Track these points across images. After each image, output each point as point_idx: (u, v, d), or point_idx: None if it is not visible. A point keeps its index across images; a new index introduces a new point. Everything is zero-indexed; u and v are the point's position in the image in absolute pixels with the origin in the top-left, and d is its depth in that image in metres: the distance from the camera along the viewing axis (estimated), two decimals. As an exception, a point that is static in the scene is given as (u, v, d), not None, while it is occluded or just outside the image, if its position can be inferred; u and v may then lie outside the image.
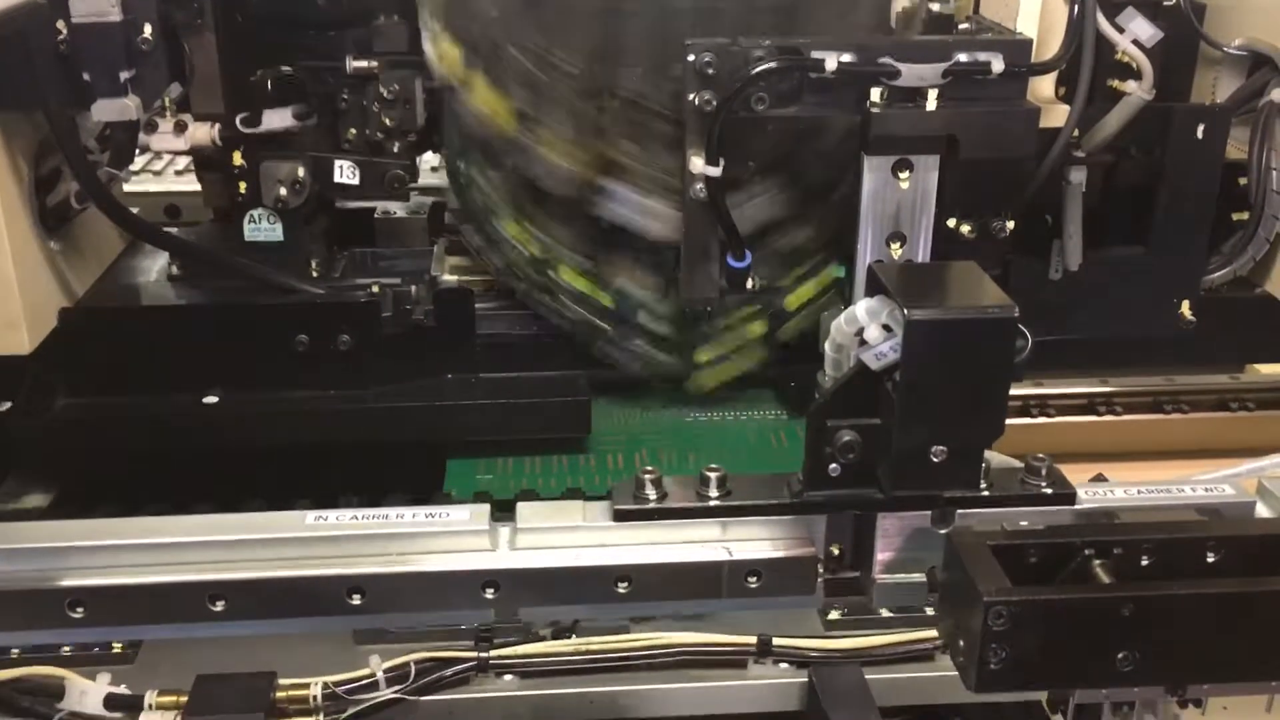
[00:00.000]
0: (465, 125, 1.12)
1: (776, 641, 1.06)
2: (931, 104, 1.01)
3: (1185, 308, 1.18)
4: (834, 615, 1.12)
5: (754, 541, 0.89)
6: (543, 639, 1.04)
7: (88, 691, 0.97)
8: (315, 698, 0.97)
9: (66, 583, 0.85)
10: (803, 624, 1.11)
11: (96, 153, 1.15)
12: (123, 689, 0.97)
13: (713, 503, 0.89)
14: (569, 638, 1.04)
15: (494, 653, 1.01)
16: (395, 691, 0.98)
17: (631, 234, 1.12)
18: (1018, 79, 1.03)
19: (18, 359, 1.06)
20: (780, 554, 0.89)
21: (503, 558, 0.88)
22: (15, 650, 1.01)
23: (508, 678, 1.03)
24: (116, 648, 1.04)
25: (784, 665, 1.08)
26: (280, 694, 0.97)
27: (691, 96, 1.01)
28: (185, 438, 1.14)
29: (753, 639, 1.06)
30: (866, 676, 1.06)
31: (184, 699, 0.96)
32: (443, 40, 1.09)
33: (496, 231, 1.16)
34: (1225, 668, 0.81)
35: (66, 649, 1.03)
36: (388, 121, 1.16)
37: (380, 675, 0.98)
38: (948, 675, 1.04)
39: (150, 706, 0.96)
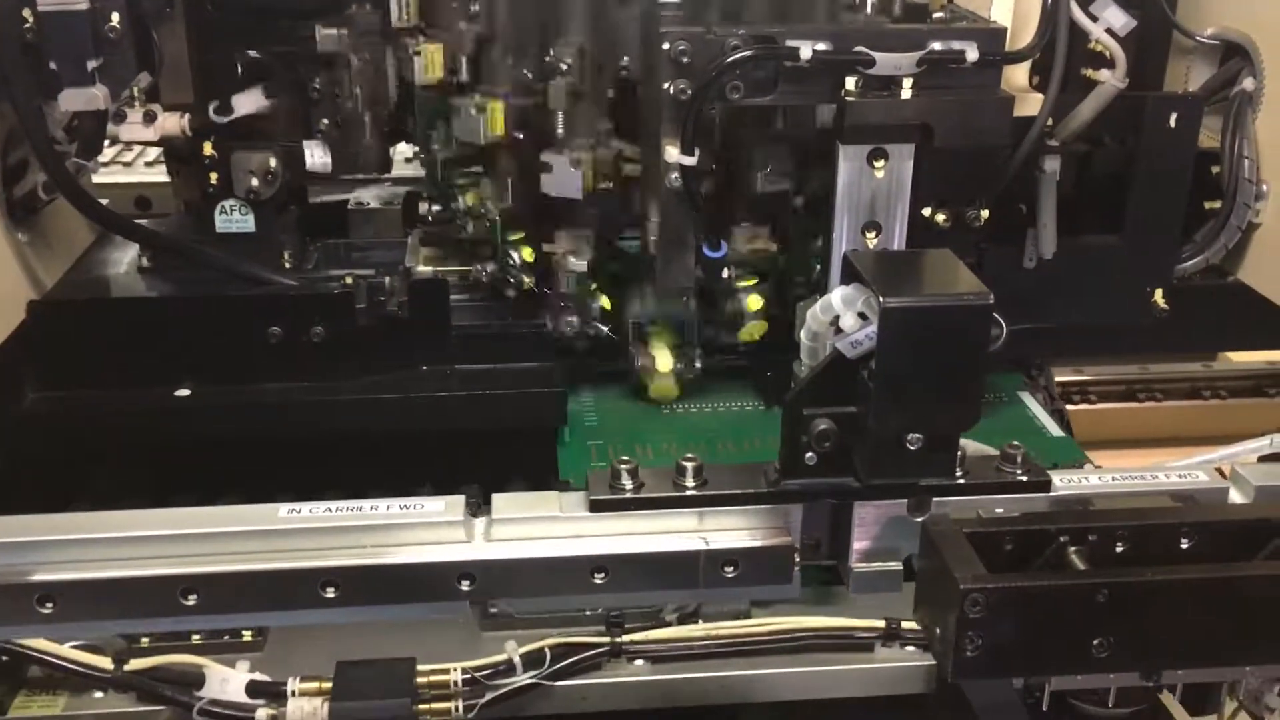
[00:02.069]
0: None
1: (905, 625, 1.05)
2: (906, 93, 1.01)
3: (1159, 296, 1.19)
4: None
5: (730, 531, 0.89)
6: (670, 625, 1.04)
7: (229, 679, 0.95)
8: (455, 683, 0.97)
9: (36, 577, 0.84)
10: None
11: (64, 143, 1.13)
12: (262, 676, 0.97)
13: (689, 492, 0.88)
14: (695, 622, 1.04)
15: (625, 638, 1.02)
16: (531, 676, 0.98)
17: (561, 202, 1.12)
18: (992, 68, 1.03)
19: (-15, 352, 1.05)
20: (757, 543, 0.88)
21: (478, 549, 0.87)
22: (145, 639, 1.00)
23: (638, 662, 1.03)
24: (246, 635, 1.03)
25: (910, 649, 1.06)
26: (421, 679, 0.96)
27: (667, 85, 1.01)
28: (157, 432, 1.13)
29: (880, 622, 1.05)
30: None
31: (326, 685, 0.95)
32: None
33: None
34: (1200, 652, 0.81)
35: (196, 637, 1.02)
36: (359, 106, 1.15)
37: (517, 660, 0.98)
38: None
39: (294, 693, 0.95)
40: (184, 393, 1.12)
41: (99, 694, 1.00)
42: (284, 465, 1.15)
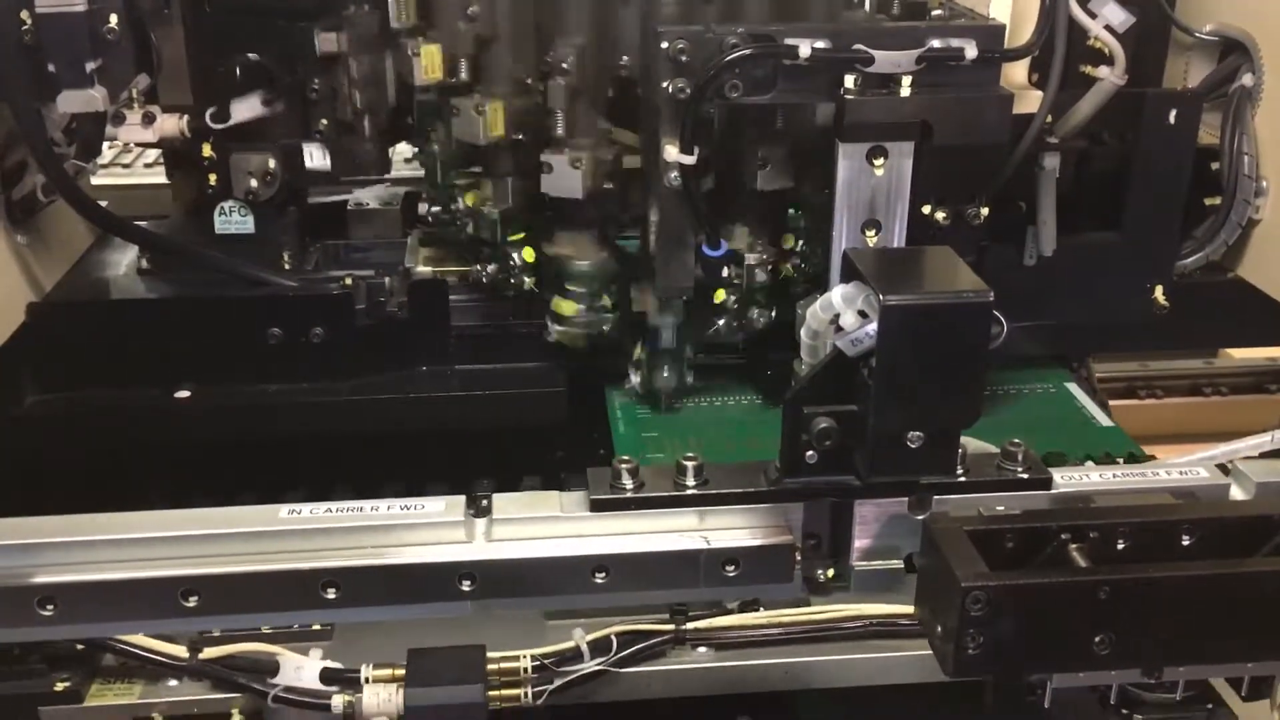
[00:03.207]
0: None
1: None
2: (905, 90, 1.00)
3: (1159, 293, 1.19)
4: None
5: (731, 530, 0.89)
6: (731, 612, 1.05)
7: (303, 667, 0.96)
8: (525, 669, 0.98)
9: (36, 580, 0.84)
10: None
11: (63, 145, 1.13)
12: (335, 664, 0.97)
13: (689, 491, 0.88)
14: (756, 610, 1.05)
15: (689, 625, 1.02)
16: (599, 663, 0.99)
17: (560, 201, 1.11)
18: (991, 65, 1.03)
19: (-16, 354, 1.05)
20: (758, 542, 0.88)
21: (479, 549, 0.87)
22: (216, 629, 1.00)
23: (702, 649, 1.04)
24: (315, 625, 1.04)
25: None
26: (491, 665, 0.97)
27: (665, 84, 1.01)
28: (157, 433, 1.13)
29: None
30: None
31: (399, 671, 0.96)
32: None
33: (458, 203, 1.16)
34: (1202, 649, 0.81)
35: (265, 627, 1.02)
36: (358, 107, 1.15)
37: (585, 647, 0.99)
38: None
39: (368, 680, 0.96)
40: (183, 394, 1.12)
41: (174, 682, 1.01)
42: (284, 466, 1.15)
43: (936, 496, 0.87)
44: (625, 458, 0.89)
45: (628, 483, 0.88)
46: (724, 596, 1.00)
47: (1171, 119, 1.13)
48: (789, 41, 0.99)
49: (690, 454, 0.89)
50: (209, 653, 0.96)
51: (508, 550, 0.87)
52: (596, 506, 0.88)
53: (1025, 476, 0.89)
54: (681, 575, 0.89)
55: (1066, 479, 0.90)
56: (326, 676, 0.96)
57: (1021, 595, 0.77)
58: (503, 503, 0.89)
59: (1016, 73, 1.13)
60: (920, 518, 0.87)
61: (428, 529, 0.87)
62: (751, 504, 0.88)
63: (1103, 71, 1.10)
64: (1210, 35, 1.20)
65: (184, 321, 1.14)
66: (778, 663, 1.04)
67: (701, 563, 0.88)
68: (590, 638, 0.99)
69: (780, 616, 1.03)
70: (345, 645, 1.03)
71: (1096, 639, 0.78)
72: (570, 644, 0.99)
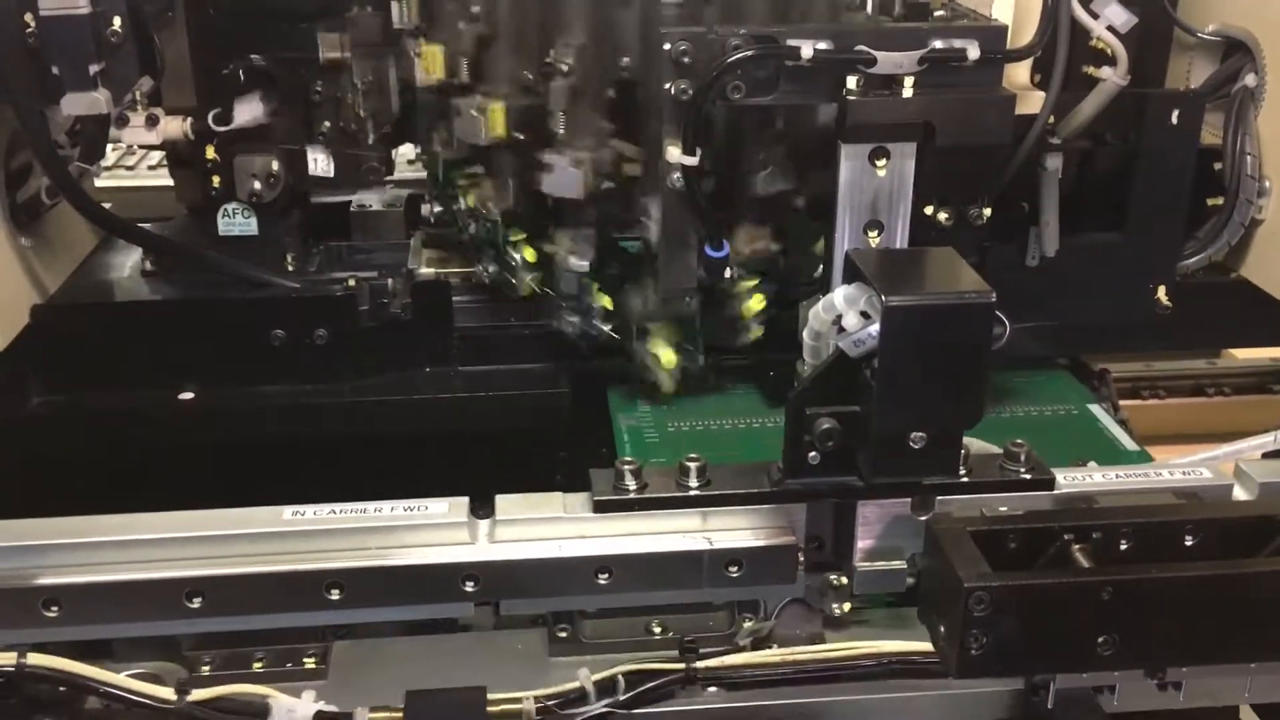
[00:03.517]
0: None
1: None
2: (908, 91, 1.00)
3: (1161, 293, 1.19)
4: None
5: (734, 531, 0.89)
6: (744, 650, 1.01)
7: (295, 709, 0.91)
8: (528, 713, 0.93)
9: (41, 581, 0.84)
10: None
11: (67, 147, 1.13)
12: (328, 706, 0.92)
13: (692, 492, 0.88)
14: (769, 648, 1.01)
15: (700, 664, 0.97)
16: (605, 705, 0.94)
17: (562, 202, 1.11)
18: (993, 66, 1.03)
19: (-10, 356, 1.05)
20: (761, 543, 0.88)
21: (482, 550, 0.87)
22: (206, 667, 0.99)
23: (712, 689, 0.99)
24: (309, 663, 1.01)
25: None
26: (492, 709, 0.93)
27: (668, 86, 1.01)
28: (161, 434, 1.13)
29: None
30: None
31: (396, 715, 0.92)
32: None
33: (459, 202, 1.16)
34: (1205, 649, 0.81)
35: (258, 664, 1.00)
36: (361, 112, 1.16)
37: (590, 688, 0.94)
38: (1143, 683, 0.95)
39: None
40: (188, 396, 1.12)
41: None
42: (288, 468, 1.15)
43: (939, 497, 0.87)
44: (628, 459, 0.89)
45: (631, 484, 0.88)
46: (727, 598, 0.99)
47: (1174, 119, 1.13)
48: (791, 42, 0.99)
49: (693, 455, 0.89)
50: (197, 695, 0.91)
51: (511, 551, 0.88)
52: (600, 507, 0.88)
53: (1028, 477, 0.89)
54: (685, 576, 0.89)
55: (1069, 479, 0.90)
56: (321, 719, 0.93)
57: (1024, 596, 0.77)
58: (506, 504, 0.90)
59: (1019, 73, 1.12)
60: (923, 518, 0.87)
61: (431, 530, 0.88)
62: (754, 505, 0.89)
63: (1105, 72, 1.10)
64: (1213, 35, 1.20)
65: (188, 323, 1.14)
66: (792, 703, 0.99)
67: (705, 564, 0.88)
68: (596, 677, 0.95)
69: (794, 654, 0.99)
70: (340, 685, 1.00)
71: (1100, 639, 0.78)
72: (575, 684, 0.94)
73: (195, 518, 0.88)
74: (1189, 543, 0.83)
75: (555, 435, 1.17)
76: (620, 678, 0.95)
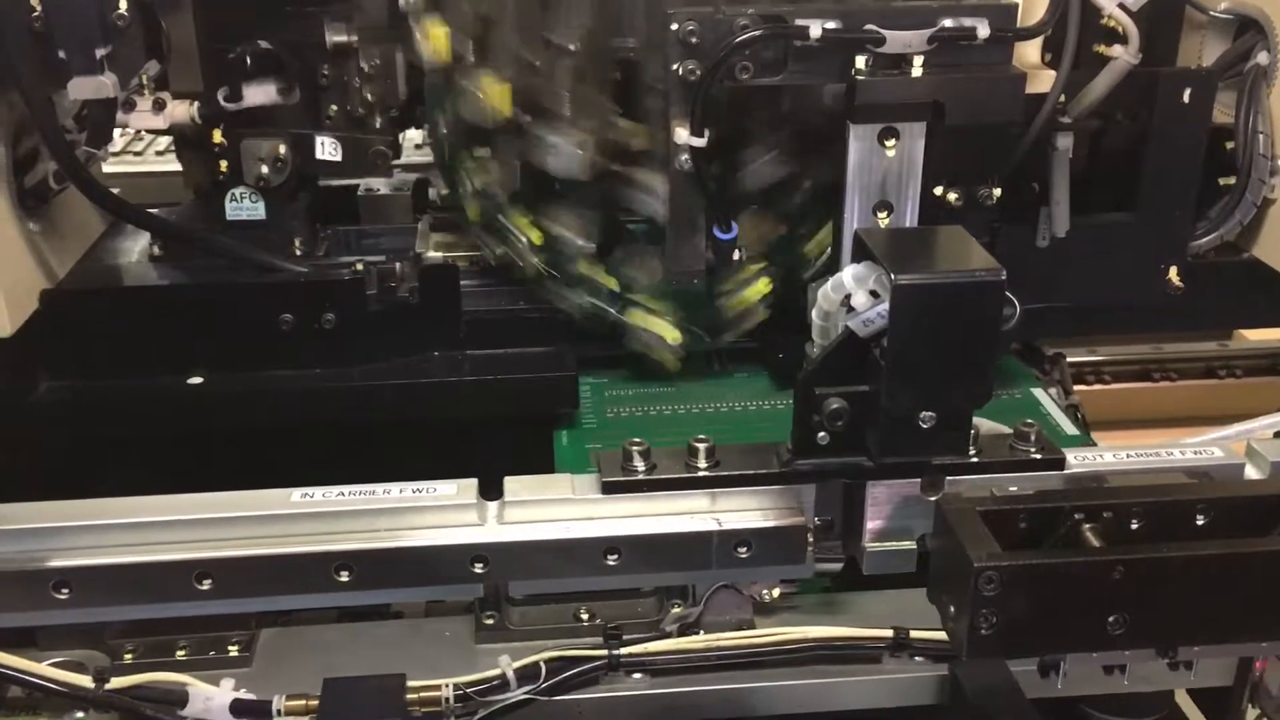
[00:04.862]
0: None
1: (913, 634, 1.01)
2: (917, 71, 1.00)
3: (1173, 273, 1.18)
4: None
5: (743, 512, 0.89)
6: (670, 636, 1.01)
7: (212, 698, 0.92)
8: (447, 699, 0.93)
9: (51, 564, 0.85)
10: (937, 615, 1.06)
11: (74, 132, 1.13)
12: (247, 694, 0.93)
13: (701, 473, 0.88)
14: (695, 634, 1.01)
15: (624, 651, 0.98)
16: (526, 691, 0.95)
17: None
18: (1003, 44, 1.02)
19: (-1, 342, 1.05)
20: (770, 524, 0.88)
21: (491, 532, 0.87)
22: (129, 655, 0.99)
23: (637, 676, 1.00)
24: (232, 651, 1.02)
25: (920, 659, 1.02)
26: (411, 695, 0.93)
27: (675, 66, 1.01)
28: (170, 419, 1.13)
29: (888, 632, 1.01)
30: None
31: (312, 703, 0.92)
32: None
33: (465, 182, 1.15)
34: (1215, 628, 0.81)
35: (181, 652, 1.01)
36: (369, 96, 1.15)
37: (511, 675, 0.94)
38: (1081, 667, 0.98)
39: (279, 712, 0.92)
40: (196, 381, 1.12)
41: (80, 714, 0.98)
42: (296, 452, 1.15)
43: (949, 477, 0.87)
44: (637, 440, 0.89)
45: (639, 465, 0.88)
46: (737, 578, 0.99)
47: (1186, 98, 1.12)
48: (799, 22, 0.98)
49: (702, 436, 0.89)
50: (116, 683, 0.92)
51: (519, 533, 0.88)
52: (608, 489, 0.88)
53: (1038, 457, 0.88)
54: (693, 557, 0.89)
55: (1080, 459, 0.90)
56: (237, 708, 0.93)
57: (1035, 575, 0.77)
58: (514, 485, 0.89)
59: (1029, 52, 1.12)
60: (933, 498, 0.87)
61: (440, 512, 0.88)
62: (763, 486, 0.88)
63: (1116, 50, 1.09)
64: (1225, 13, 1.19)
65: (196, 308, 1.14)
66: (716, 689, 1.00)
67: (714, 544, 0.88)
68: (518, 665, 0.95)
69: (720, 640, 0.99)
70: (264, 673, 1.01)
71: (1110, 619, 0.78)
72: (496, 671, 0.95)
73: (204, 500, 0.88)
74: (1200, 522, 0.83)
75: (563, 418, 1.16)
76: (542, 664, 0.96)
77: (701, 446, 0.88)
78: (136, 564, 0.85)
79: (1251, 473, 0.92)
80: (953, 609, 0.79)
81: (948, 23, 1.00)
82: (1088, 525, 0.82)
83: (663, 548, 0.88)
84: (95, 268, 1.21)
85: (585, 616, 1.04)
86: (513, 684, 0.94)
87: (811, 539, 0.89)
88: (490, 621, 1.03)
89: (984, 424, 0.88)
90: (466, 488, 0.89)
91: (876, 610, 1.06)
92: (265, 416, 1.14)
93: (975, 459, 0.87)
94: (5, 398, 1.08)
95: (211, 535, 0.86)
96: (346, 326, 1.13)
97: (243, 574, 0.86)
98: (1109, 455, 0.91)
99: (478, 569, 0.87)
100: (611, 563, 0.88)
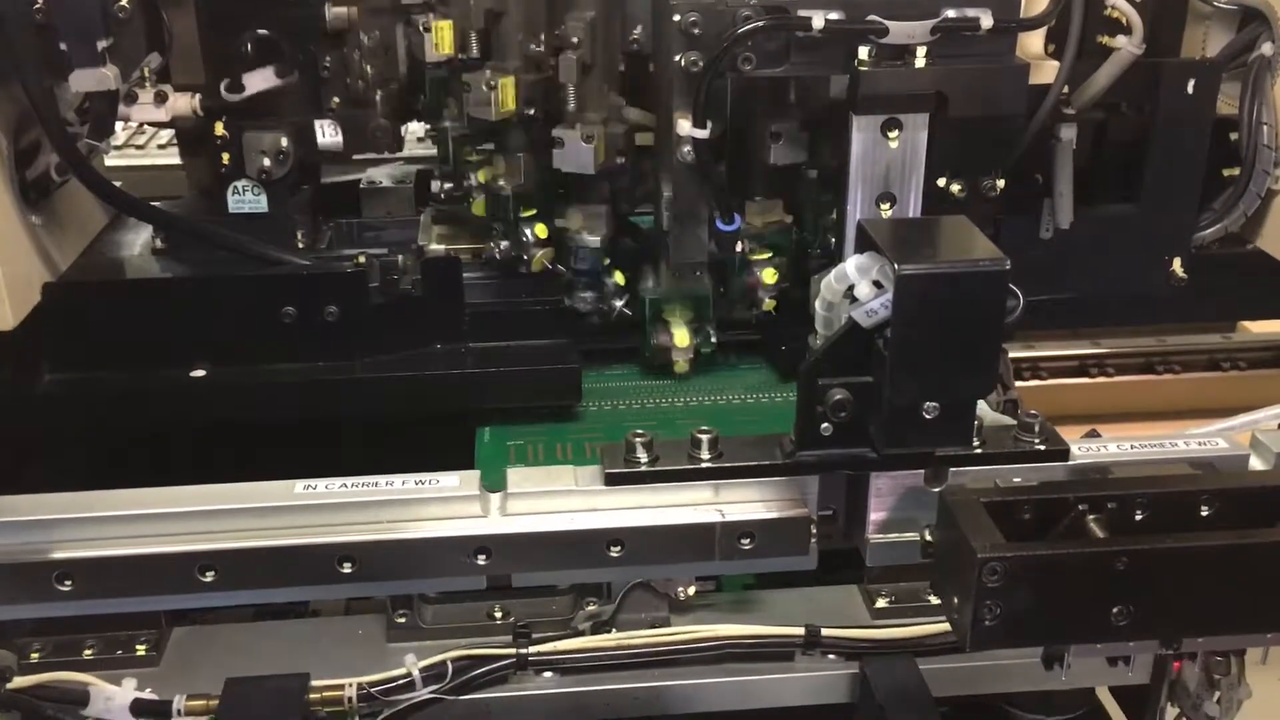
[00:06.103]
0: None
1: (825, 632, 1.01)
2: (920, 61, 1.00)
3: (1177, 265, 1.18)
4: (881, 604, 1.06)
5: (746, 503, 0.89)
6: (582, 634, 1.01)
7: (113, 697, 0.92)
8: (350, 699, 0.93)
9: (54, 555, 0.85)
10: (850, 613, 1.06)
11: (76, 124, 1.13)
12: (149, 694, 0.93)
13: (704, 465, 0.88)
14: (609, 632, 1.01)
15: (533, 649, 0.98)
16: (432, 691, 0.94)
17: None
18: (1007, 35, 1.02)
19: (1, 334, 1.05)
20: (773, 515, 0.88)
21: (494, 523, 0.87)
22: (35, 654, 0.98)
23: (547, 674, 0.99)
24: (140, 650, 1.02)
25: (832, 657, 1.02)
26: (314, 695, 0.93)
27: (677, 58, 1.00)
28: (172, 412, 1.13)
29: (800, 630, 1.01)
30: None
31: (214, 703, 0.93)
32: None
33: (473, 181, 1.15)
34: (1220, 620, 0.81)
35: (89, 651, 1.01)
36: (369, 70, 1.15)
37: (416, 674, 0.94)
38: (1000, 664, 1.02)
39: (179, 712, 0.92)
40: (199, 373, 1.12)
41: None
42: (299, 445, 1.15)
43: (953, 468, 0.87)
44: (640, 431, 0.89)
45: (642, 456, 0.88)
46: (740, 570, 0.99)
47: (1190, 89, 1.11)
48: (802, 13, 0.98)
49: (705, 427, 0.89)
50: (18, 682, 0.92)
51: (522, 524, 0.88)
52: (611, 480, 0.88)
53: (1042, 448, 0.88)
54: (697, 548, 0.89)
55: (1084, 450, 0.90)
56: (137, 708, 0.93)
57: (1039, 567, 0.77)
58: (517, 477, 0.90)
59: (1033, 43, 1.11)
60: (936, 490, 0.87)
61: (442, 503, 0.88)
62: (766, 477, 0.88)
63: (1120, 41, 1.09)
64: (1229, 4, 1.19)
65: (198, 301, 1.14)
66: (627, 688, 0.99)
67: (717, 536, 0.88)
68: (424, 664, 0.95)
69: (631, 639, 0.99)
70: (171, 672, 1.00)
71: (1114, 610, 0.78)
72: (402, 670, 0.94)
73: (207, 492, 0.88)
74: (1204, 513, 0.83)
75: (566, 411, 1.16)
76: (449, 663, 0.95)
77: (705, 438, 0.88)
78: (139, 556, 0.85)
79: (1256, 464, 0.92)
80: (956, 600, 0.79)
81: (951, 13, 0.99)
82: (1092, 516, 0.81)
83: (666, 539, 0.88)
84: (97, 261, 1.21)
85: (499, 615, 1.03)
86: (419, 683, 0.94)
87: (815, 530, 0.89)
88: (403, 620, 1.03)
89: (987, 415, 0.88)
90: (469, 479, 0.89)
91: (790, 609, 1.05)
92: (268, 409, 1.13)
93: (979, 450, 0.87)
94: (7, 390, 1.08)
95: (214, 527, 0.86)
96: (349, 319, 1.12)
97: (246, 565, 0.86)
98: (1113, 446, 0.91)
99: (480, 561, 0.87)
100: (614, 554, 0.88)
